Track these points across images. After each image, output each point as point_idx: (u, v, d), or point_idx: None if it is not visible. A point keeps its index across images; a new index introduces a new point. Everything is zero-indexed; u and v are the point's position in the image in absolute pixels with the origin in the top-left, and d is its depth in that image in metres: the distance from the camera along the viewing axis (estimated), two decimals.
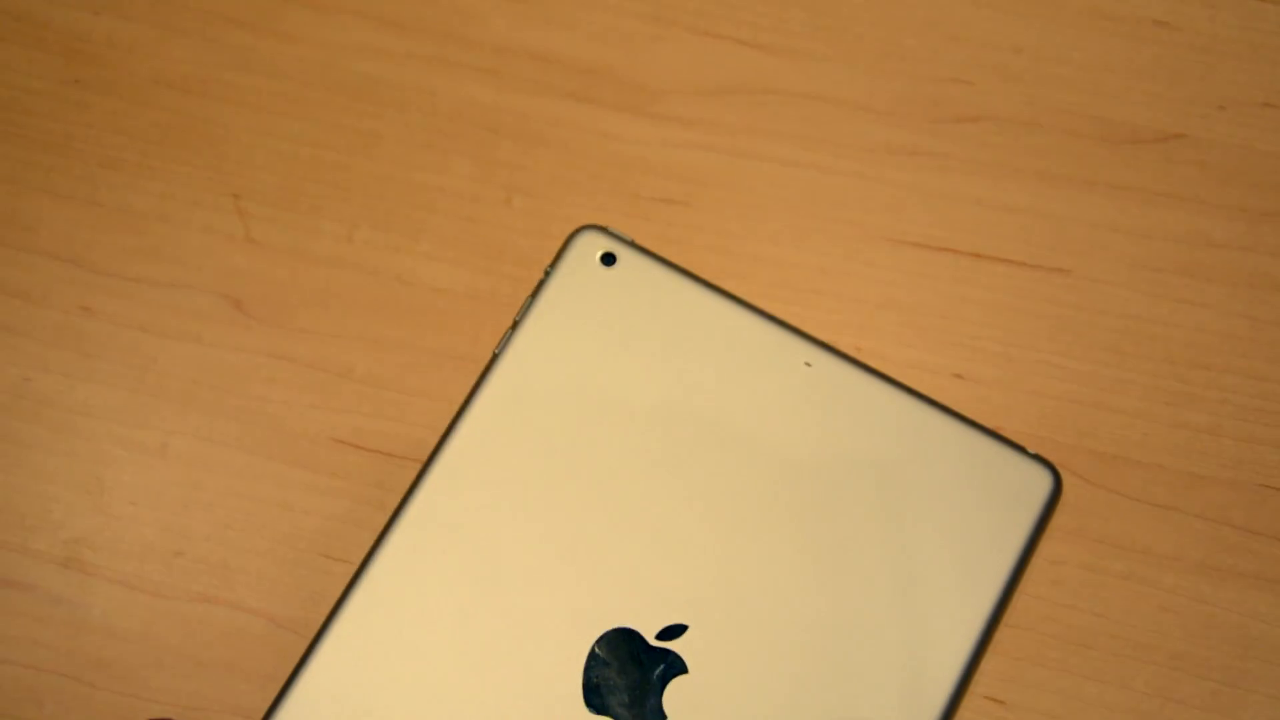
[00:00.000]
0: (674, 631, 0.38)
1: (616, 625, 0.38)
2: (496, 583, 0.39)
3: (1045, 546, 0.41)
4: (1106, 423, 0.42)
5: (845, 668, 0.37)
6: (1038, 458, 0.39)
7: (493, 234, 0.46)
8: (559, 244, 0.43)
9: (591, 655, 0.37)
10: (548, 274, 0.42)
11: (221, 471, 0.43)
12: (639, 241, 0.42)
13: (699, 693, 0.37)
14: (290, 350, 0.44)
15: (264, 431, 0.43)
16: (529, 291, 0.42)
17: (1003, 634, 0.40)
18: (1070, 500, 0.41)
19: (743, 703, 0.37)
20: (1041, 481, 0.39)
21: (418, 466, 0.40)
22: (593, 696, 0.37)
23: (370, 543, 0.39)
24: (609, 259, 0.42)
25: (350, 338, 0.44)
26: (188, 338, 0.44)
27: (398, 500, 0.39)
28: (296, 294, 0.45)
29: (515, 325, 0.41)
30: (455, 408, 0.40)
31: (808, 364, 0.40)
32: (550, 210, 0.46)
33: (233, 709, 0.40)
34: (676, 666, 0.37)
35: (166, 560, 0.42)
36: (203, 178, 0.46)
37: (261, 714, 0.38)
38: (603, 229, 0.42)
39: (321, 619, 0.38)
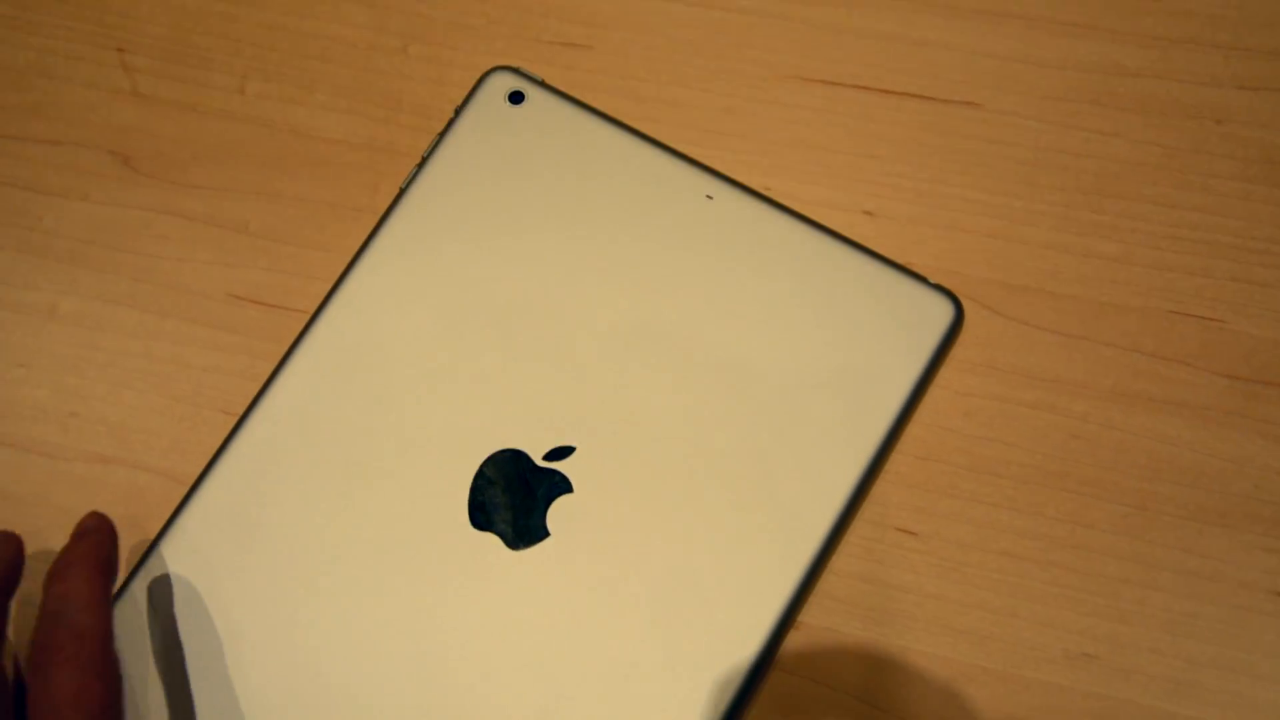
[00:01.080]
0: (561, 453, 0.37)
1: (505, 447, 0.38)
2: (388, 409, 0.39)
3: (956, 379, 0.40)
4: (1018, 255, 0.41)
5: (731, 491, 0.37)
6: (939, 288, 0.39)
7: (390, 83, 0.44)
8: (459, 91, 0.42)
9: (479, 475, 0.37)
10: (457, 113, 0.41)
11: (115, 331, 0.42)
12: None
13: (583, 511, 0.37)
14: (183, 206, 0.43)
15: (158, 289, 0.42)
16: (428, 141, 0.41)
17: (913, 467, 0.39)
18: (981, 333, 0.40)
19: (626, 522, 0.37)
20: (942, 310, 0.39)
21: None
22: (478, 514, 0.37)
23: None
24: (517, 97, 0.41)
25: (245, 192, 0.43)
26: (75, 195, 0.43)
27: None
28: (188, 149, 0.43)
29: (423, 162, 0.40)
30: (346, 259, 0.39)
31: (709, 197, 0.40)
32: (448, 57, 0.44)
33: (129, 566, 0.40)
34: (562, 486, 0.37)
35: (61, 422, 0.41)
36: (85, 31, 0.44)
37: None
38: (515, 69, 0.41)
39: None
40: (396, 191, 0.41)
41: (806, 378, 0.38)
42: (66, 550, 0.34)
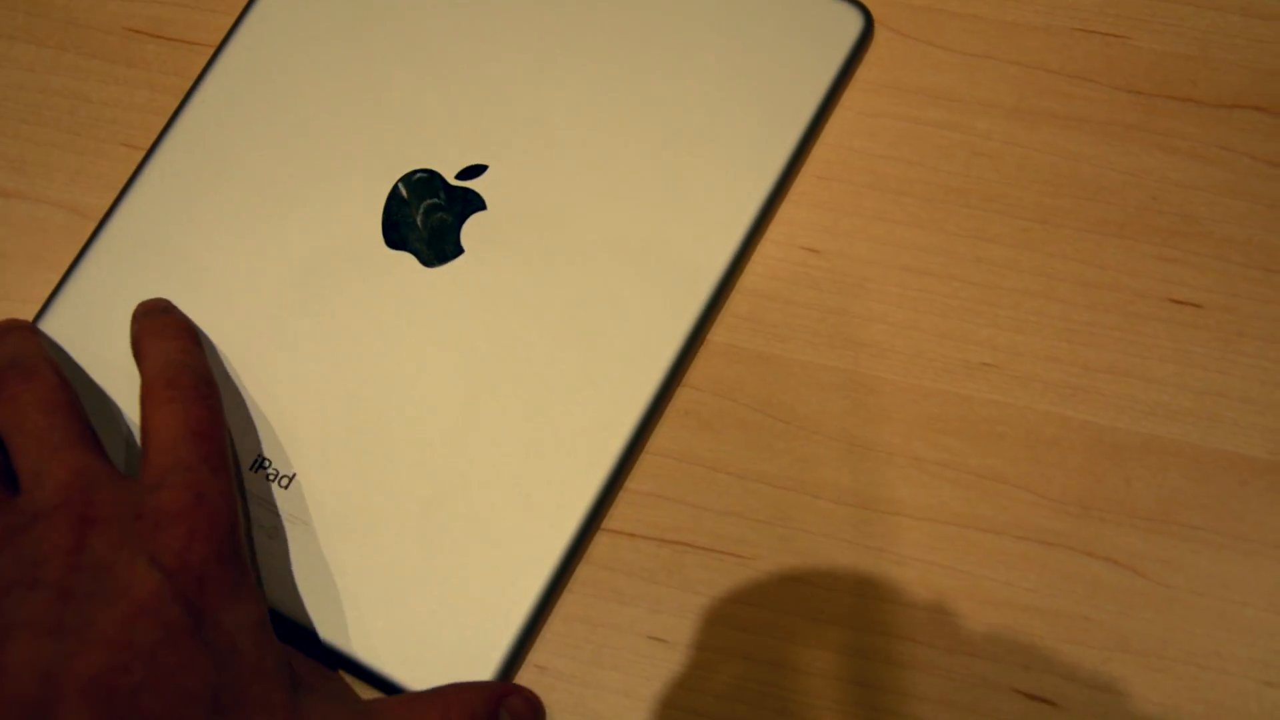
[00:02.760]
0: (473, 171, 0.37)
1: (418, 167, 0.37)
2: (299, 136, 0.38)
3: (861, 100, 0.40)
4: None
5: (643, 209, 0.37)
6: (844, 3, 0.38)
7: None
8: None
9: (392, 194, 0.37)
10: None
11: (10, 66, 0.41)
12: None
13: (496, 227, 0.37)
14: None
15: (53, 24, 0.41)
16: None
17: (817, 187, 0.39)
18: (885, 54, 0.40)
19: (539, 236, 0.37)
20: (851, 20, 0.38)
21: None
22: (392, 233, 0.37)
23: None
24: None
25: None
26: None
27: None
28: None
29: None
30: None
31: None
32: None
33: (37, 300, 0.39)
34: (475, 203, 0.37)
35: None
36: None
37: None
38: None
39: None
40: None
41: (716, 98, 0.38)
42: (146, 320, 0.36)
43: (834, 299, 0.38)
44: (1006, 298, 0.38)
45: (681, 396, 0.38)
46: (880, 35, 0.40)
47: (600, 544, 0.36)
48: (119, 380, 0.36)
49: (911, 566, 0.36)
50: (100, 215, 0.39)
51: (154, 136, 0.40)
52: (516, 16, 0.39)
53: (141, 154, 0.40)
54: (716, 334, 0.38)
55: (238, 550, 0.31)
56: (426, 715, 0.32)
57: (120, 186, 0.39)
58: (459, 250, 0.37)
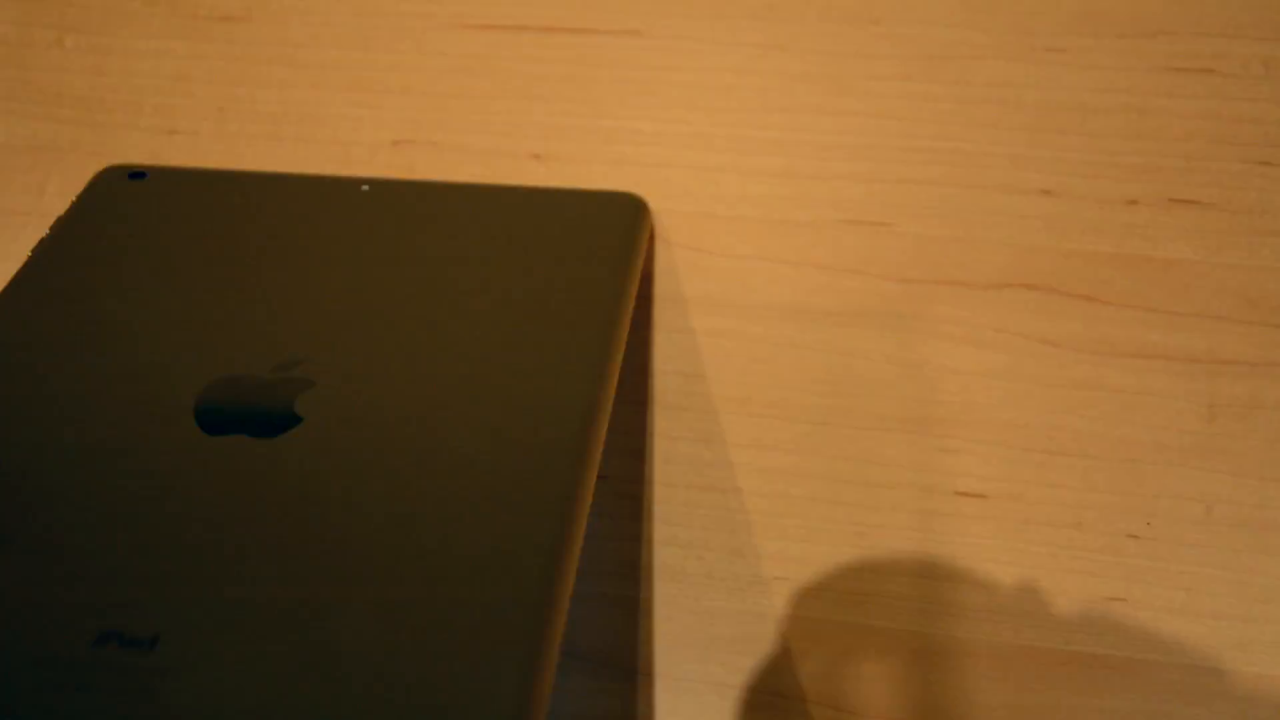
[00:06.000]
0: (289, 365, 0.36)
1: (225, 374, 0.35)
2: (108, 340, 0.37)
3: (635, 314, 0.40)
4: (685, 181, 0.40)
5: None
6: (618, 194, 0.39)
7: (48, 78, 0.43)
8: (120, 79, 0.41)
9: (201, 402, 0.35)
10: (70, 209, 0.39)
11: None
12: None
13: (333, 397, 0.35)
14: None
15: None
16: (95, 136, 0.40)
17: None
18: (659, 265, 0.40)
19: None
20: (629, 206, 0.38)
21: None
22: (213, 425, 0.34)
23: None
24: (138, 175, 0.40)
25: None
26: None
27: None
28: None
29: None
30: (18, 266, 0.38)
31: (365, 187, 0.39)
32: (105, 45, 0.43)
33: None
34: (302, 384, 0.35)
35: None
36: None
37: None
38: (130, 167, 0.40)
39: None
40: (66, 191, 0.40)
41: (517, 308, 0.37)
42: None
43: (627, 525, 0.38)
44: (793, 506, 0.38)
45: None
46: (655, 249, 0.40)
47: None
48: None
49: None
50: None
51: None
52: (334, 225, 0.38)
53: None
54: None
55: None
56: None
57: None
58: (297, 420, 0.35)
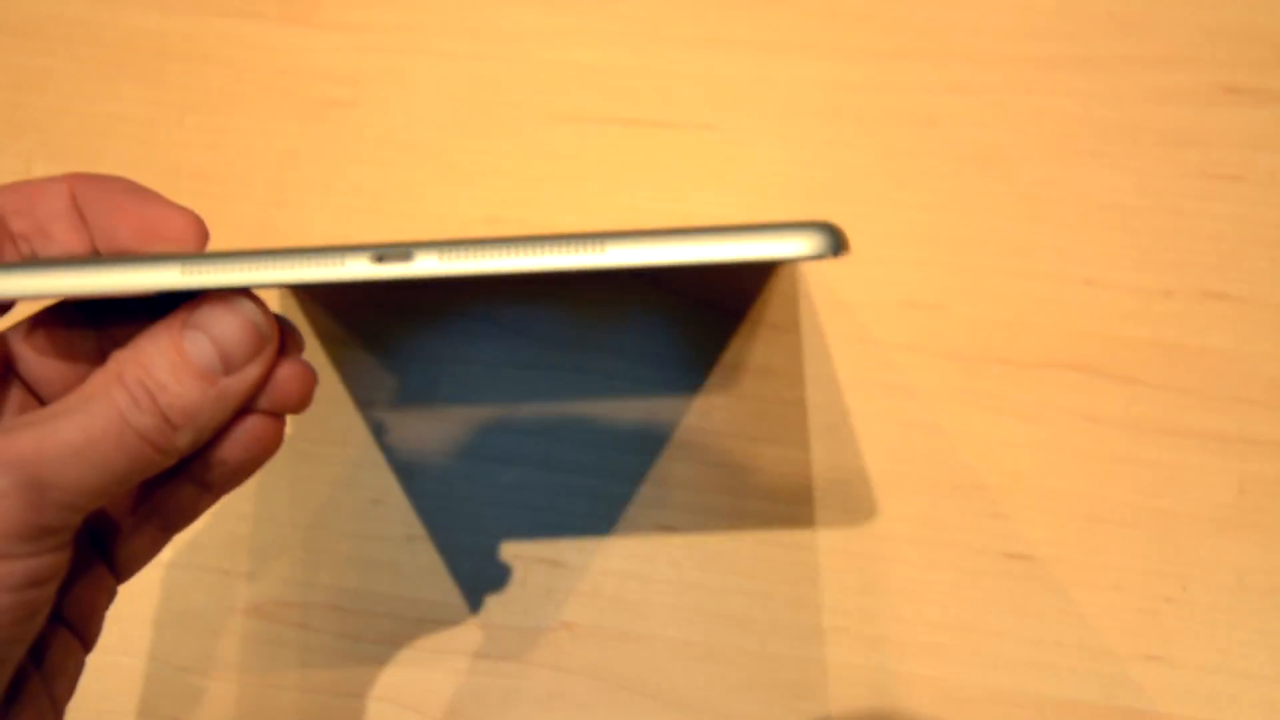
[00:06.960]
0: None
1: None
2: None
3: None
4: None
5: None
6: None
7: (169, 154, 0.47)
8: (234, 155, 0.44)
9: None
10: None
11: None
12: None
13: None
14: None
15: None
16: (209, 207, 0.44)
17: None
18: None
19: None
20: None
21: None
22: None
23: None
24: None
25: None
26: None
27: None
28: None
29: None
30: None
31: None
32: (222, 124, 0.47)
33: None
34: None
35: None
36: None
37: None
38: None
39: None
40: None
41: None
42: None
43: (688, 573, 0.41)
44: (850, 562, 0.41)
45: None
46: None
47: None
48: None
49: None
50: None
51: None
52: None
53: None
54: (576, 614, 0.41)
55: None
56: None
57: None
58: None
